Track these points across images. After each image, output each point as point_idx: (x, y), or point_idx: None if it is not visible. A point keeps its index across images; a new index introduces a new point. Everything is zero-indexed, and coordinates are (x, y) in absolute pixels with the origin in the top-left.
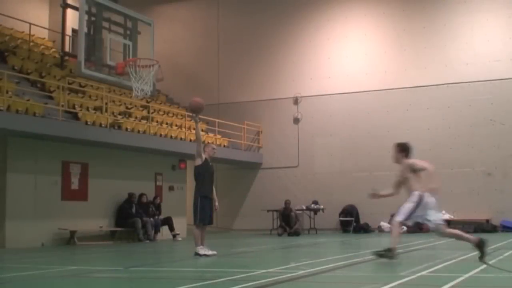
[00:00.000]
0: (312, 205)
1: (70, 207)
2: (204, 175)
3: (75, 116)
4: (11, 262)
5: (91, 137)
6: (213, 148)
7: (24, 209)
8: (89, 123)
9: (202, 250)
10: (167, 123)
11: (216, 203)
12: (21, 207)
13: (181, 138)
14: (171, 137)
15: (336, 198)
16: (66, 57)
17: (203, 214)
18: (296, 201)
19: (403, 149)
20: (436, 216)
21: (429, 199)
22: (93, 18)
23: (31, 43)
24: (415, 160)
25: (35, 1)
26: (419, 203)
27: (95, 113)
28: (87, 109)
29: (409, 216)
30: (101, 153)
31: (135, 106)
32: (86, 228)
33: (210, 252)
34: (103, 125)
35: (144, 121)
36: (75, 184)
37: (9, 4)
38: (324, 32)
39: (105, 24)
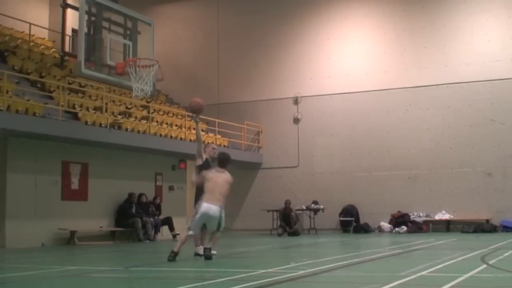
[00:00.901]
0: (312, 205)
1: (70, 207)
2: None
3: (75, 116)
4: (11, 262)
5: (91, 137)
6: (214, 148)
7: (24, 209)
8: (89, 123)
9: (201, 250)
10: (167, 123)
11: None
12: (21, 207)
13: (181, 138)
14: (171, 137)
15: (336, 198)
16: (66, 57)
17: None
18: (296, 201)
19: (217, 159)
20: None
21: (202, 207)
22: (93, 18)
23: (31, 43)
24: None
25: (35, 1)
26: (198, 211)
27: (95, 113)
28: (87, 109)
29: (195, 226)
30: (101, 153)
31: (135, 106)
32: (86, 228)
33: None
34: (103, 125)
35: (144, 121)
36: (75, 184)
37: (9, 4)
38: (324, 32)
39: (105, 24)
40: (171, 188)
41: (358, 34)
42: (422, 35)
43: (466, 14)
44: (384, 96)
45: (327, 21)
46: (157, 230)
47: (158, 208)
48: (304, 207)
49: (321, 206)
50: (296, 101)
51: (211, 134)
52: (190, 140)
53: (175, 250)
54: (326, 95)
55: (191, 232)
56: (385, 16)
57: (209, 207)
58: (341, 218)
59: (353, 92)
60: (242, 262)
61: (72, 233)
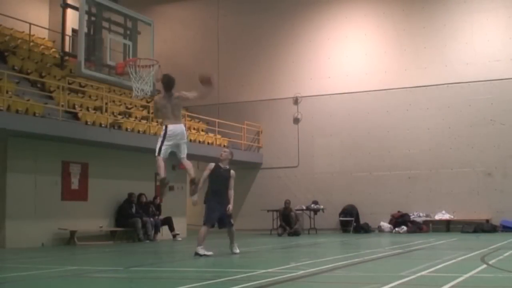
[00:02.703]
0: (312, 205)
1: (70, 207)
2: (212, 178)
3: (75, 116)
4: (11, 262)
5: (91, 137)
6: (222, 151)
7: (24, 209)
8: (89, 123)
9: (202, 250)
10: None
11: (229, 206)
12: (21, 207)
13: None
14: None
15: (336, 198)
16: (66, 57)
17: (209, 215)
18: (296, 201)
19: (162, 83)
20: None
21: (169, 130)
22: (93, 18)
23: (31, 43)
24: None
25: (35, 1)
26: (165, 135)
27: (95, 113)
28: (87, 109)
29: (160, 149)
30: (101, 153)
31: (135, 106)
32: (86, 228)
33: (209, 252)
34: (103, 125)
35: (144, 121)
36: (75, 184)
37: (9, 4)
38: (324, 32)
39: (105, 24)
40: (171, 188)
41: (358, 34)
42: (422, 35)
43: (466, 14)
44: (384, 96)
45: (327, 21)
46: (157, 230)
47: (158, 208)
48: (304, 207)
49: (321, 206)
50: (296, 101)
51: (211, 134)
52: (190, 140)
53: (163, 176)
54: (326, 95)
55: (159, 157)
56: (385, 16)
57: (175, 127)
58: (341, 218)
59: (353, 92)
60: (242, 262)
61: (72, 233)
